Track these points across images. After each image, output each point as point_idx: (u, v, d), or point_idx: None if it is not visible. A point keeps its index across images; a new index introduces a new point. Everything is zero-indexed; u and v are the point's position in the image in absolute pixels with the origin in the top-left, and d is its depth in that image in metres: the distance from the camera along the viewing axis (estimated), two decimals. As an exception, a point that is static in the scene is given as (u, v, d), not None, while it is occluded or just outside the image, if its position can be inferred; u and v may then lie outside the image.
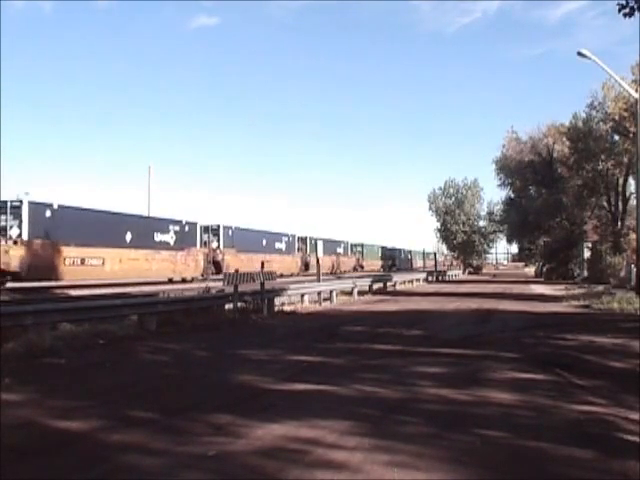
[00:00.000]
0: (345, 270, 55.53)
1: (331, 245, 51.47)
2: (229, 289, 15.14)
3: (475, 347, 9.66)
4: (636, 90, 22.42)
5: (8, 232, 23.65)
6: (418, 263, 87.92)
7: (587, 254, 39.25)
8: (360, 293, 23.82)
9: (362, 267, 62.44)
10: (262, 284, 15.61)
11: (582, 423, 5.11)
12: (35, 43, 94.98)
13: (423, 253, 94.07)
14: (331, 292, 20.66)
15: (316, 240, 48.23)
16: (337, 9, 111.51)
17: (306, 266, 49.29)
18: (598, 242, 37.69)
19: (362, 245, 67.09)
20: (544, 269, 48.85)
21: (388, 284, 29.51)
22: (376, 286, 27.63)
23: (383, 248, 74.63)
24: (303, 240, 51.56)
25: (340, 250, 58.24)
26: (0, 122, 73.67)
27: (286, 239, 47.74)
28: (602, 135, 34.97)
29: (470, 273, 63.67)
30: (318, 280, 23.92)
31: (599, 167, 36.18)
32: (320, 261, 26.21)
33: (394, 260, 75.72)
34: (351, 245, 63.86)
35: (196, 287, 20.90)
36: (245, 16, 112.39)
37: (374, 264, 66.81)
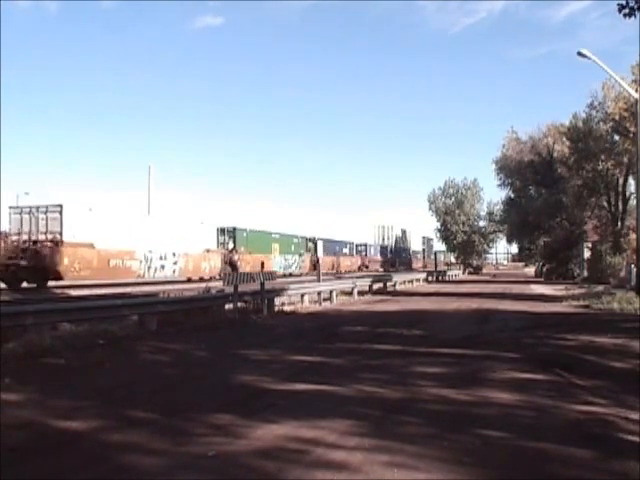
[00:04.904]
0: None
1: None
2: (229, 289, 15.14)
3: (475, 347, 9.65)
4: (636, 90, 22.41)
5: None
6: (418, 263, 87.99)
7: (587, 254, 39.21)
8: (360, 293, 23.83)
9: None
10: (262, 284, 15.61)
11: (582, 423, 5.10)
12: (39, 43, 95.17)
13: (423, 253, 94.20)
14: (331, 292, 20.69)
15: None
16: (341, 9, 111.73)
17: None
18: (598, 242, 37.63)
19: None
20: (544, 269, 48.80)
21: (388, 284, 29.53)
22: (376, 286, 27.67)
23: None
24: None
25: None
26: (0, 122, 73.73)
27: None
28: (602, 135, 34.90)
29: (470, 273, 63.65)
30: (318, 280, 23.93)
31: (599, 167, 36.12)
32: (320, 261, 26.21)
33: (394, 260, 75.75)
34: None
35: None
36: (250, 16, 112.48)
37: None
